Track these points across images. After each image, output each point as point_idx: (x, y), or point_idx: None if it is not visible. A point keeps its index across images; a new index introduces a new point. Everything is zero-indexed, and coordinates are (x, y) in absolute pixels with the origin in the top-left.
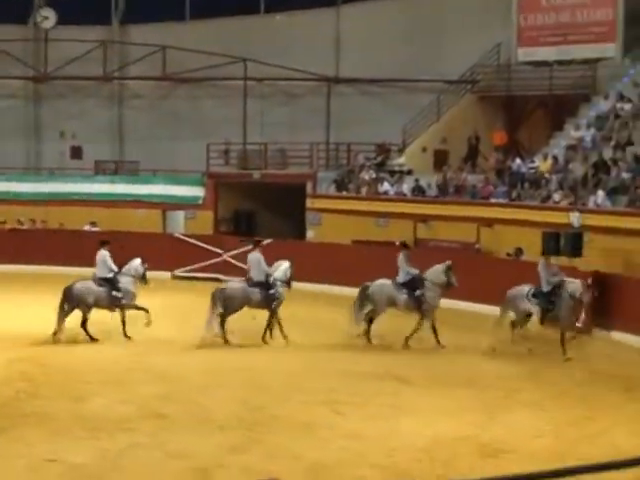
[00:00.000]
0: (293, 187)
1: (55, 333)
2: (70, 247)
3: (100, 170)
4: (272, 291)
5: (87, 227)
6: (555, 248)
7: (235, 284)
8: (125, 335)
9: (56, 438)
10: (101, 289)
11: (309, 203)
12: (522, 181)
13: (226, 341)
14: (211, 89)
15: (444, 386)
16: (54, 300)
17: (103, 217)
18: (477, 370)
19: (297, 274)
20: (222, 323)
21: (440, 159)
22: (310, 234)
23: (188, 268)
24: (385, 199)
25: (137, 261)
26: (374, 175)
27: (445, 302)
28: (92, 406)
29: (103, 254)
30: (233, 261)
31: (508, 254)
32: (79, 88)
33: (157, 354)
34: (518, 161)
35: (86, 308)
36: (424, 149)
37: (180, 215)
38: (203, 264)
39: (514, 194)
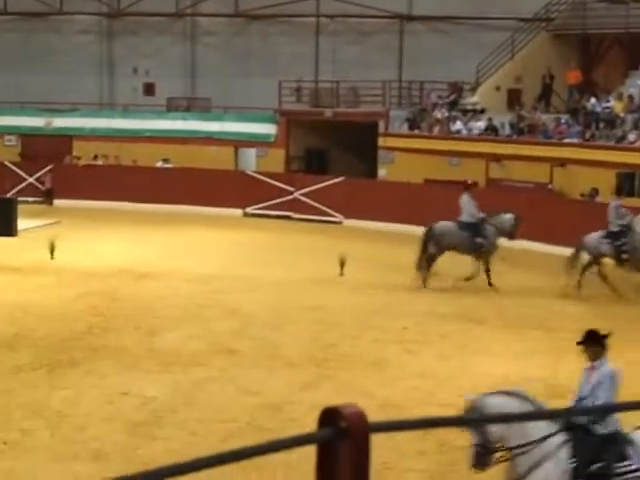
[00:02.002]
0: (365, 125)
1: (424, 280)
2: (143, 184)
3: (172, 107)
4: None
5: (159, 164)
6: (630, 189)
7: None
8: (490, 284)
9: (129, 371)
10: (463, 233)
11: (381, 141)
12: (597, 121)
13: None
14: (283, 26)
15: (516, 327)
16: (126, 236)
17: (175, 154)
18: (549, 312)
19: (369, 213)
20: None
21: (513, 98)
22: (382, 173)
23: (260, 205)
24: (457, 138)
25: (508, 215)
26: (446, 114)
27: (518, 243)
28: (165, 340)
29: (466, 198)
30: (304, 199)
31: (582, 195)
32: (152, 24)
33: (230, 291)
34: (593, 100)
35: (440, 249)
36: (497, 88)
37: (252, 152)
38: (274, 202)
39: (588, 134)
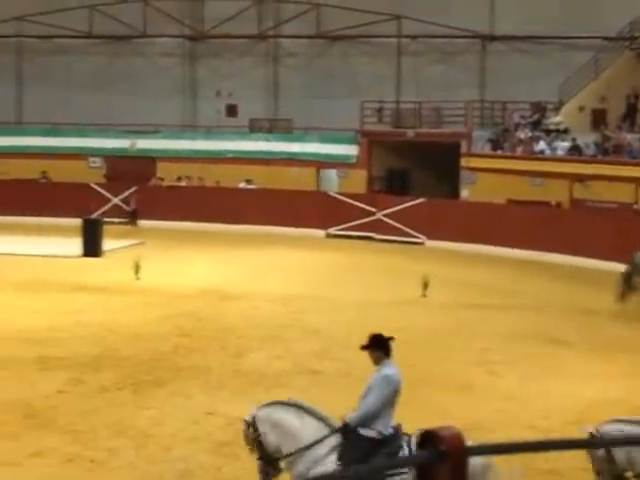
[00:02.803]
0: (447, 146)
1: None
2: (226, 205)
3: (255, 128)
4: None
5: (242, 185)
6: None
7: None
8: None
9: (214, 391)
10: None
11: (464, 162)
12: None
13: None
14: (365, 47)
15: (599, 349)
16: (210, 256)
17: (258, 175)
18: (634, 333)
19: (451, 233)
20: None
21: (598, 118)
22: (464, 193)
23: (342, 226)
24: (541, 158)
25: None
26: (530, 134)
27: (605, 264)
28: (249, 361)
29: None
30: (387, 220)
31: None
32: (234, 46)
33: (312, 311)
34: None
35: None
36: (581, 108)
37: (333, 173)
38: (357, 222)
39: None
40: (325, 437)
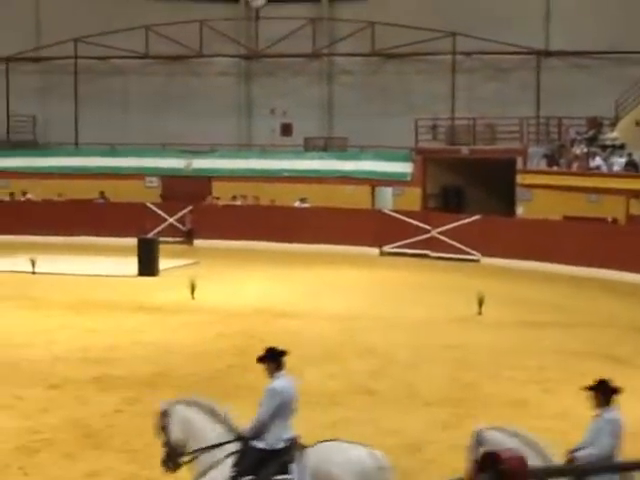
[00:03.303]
0: (502, 162)
1: None
2: (281, 223)
3: (309, 146)
4: None
5: (297, 203)
6: None
7: None
8: None
9: None
10: None
11: (519, 179)
12: None
13: None
14: (419, 64)
15: None
16: (265, 275)
17: (313, 193)
18: None
19: (506, 251)
20: None
21: None
22: (520, 210)
23: (397, 244)
24: (597, 174)
25: None
26: (585, 150)
27: None
28: (304, 380)
29: None
30: (442, 237)
31: None
32: (289, 65)
33: (367, 330)
34: None
35: None
36: (637, 123)
37: (388, 191)
38: (411, 240)
39: None
40: (226, 443)
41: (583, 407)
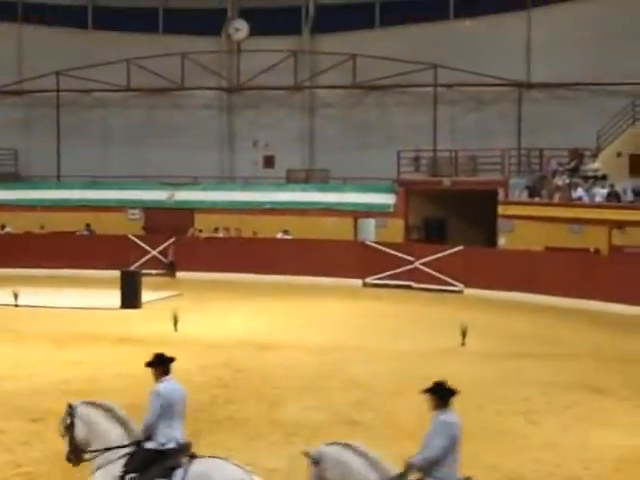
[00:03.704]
0: (484, 194)
1: None
2: (263, 255)
3: (292, 178)
4: None
5: (280, 235)
6: None
7: None
8: None
9: (251, 443)
10: None
11: (501, 210)
12: None
13: None
14: (401, 96)
15: None
16: (248, 307)
17: (295, 225)
18: None
19: (489, 282)
20: None
21: (636, 164)
22: (502, 241)
23: (380, 275)
24: (579, 205)
25: None
26: (567, 181)
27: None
28: (287, 412)
29: None
30: (424, 268)
31: None
32: (270, 98)
33: (350, 361)
34: None
35: None
36: (619, 154)
37: (371, 223)
38: (395, 271)
39: None
40: (123, 446)
41: (570, 439)
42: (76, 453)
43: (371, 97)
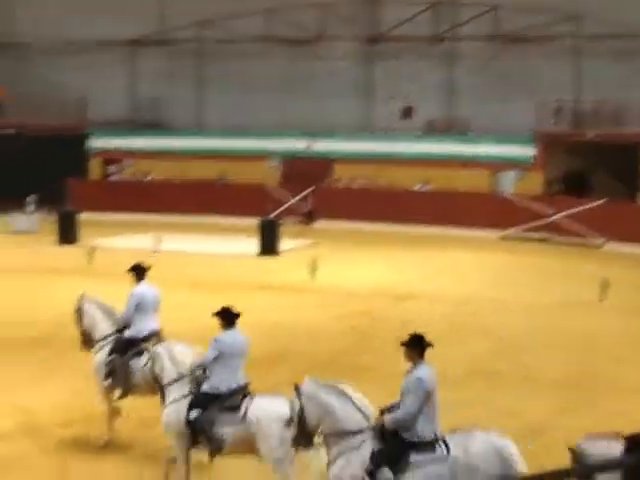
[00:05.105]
0: (627, 147)
1: None
2: (401, 206)
3: (430, 130)
4: None
5: (418, 186)
6: None
7: None
8: None
9: (383, 391)
10: None
11: None
12: None
13: None
14: (543, 47)
15: None
16: (384, 256)
17: (433, 176)
18: None
19: (631, 236)
20: None
21: None
22: None
23: (518, 228)
24: None
25: None
26: None
27: None
28: None
29: None
30: (564, 222)
31: None
32: (411, 48)
33: (486, 313)
34: None
35: None
36: None
37: (510, 175)
38: (533, 224)
39: None
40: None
41: None
42: (87, 341)
43: (513, 48)
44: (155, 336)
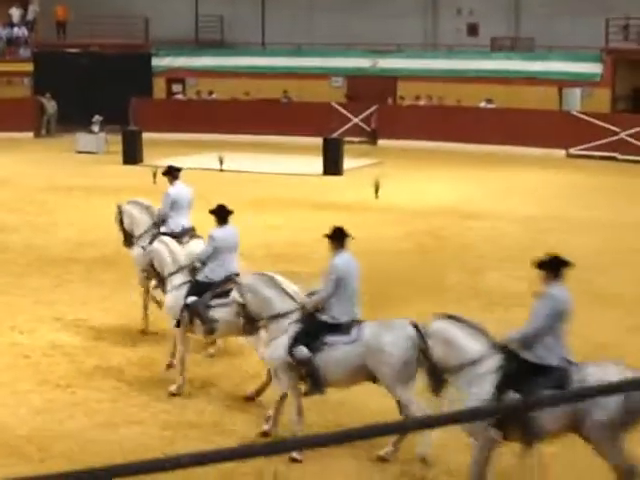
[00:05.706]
0: None
1: None
2: (466, 124)
3: (496, 47)
4: None
5: (483, 104)
6: None
7: None
8: None
9: (450, 309)
10: None
11: None
12: None
13: None
14: None
15: None
16: (449, 175)
17: (498, 94)
18: None
19: None
20: None
21: None
22: None
23: (584, 146)
24: None
25: None
26: None
27: None
28: (488, 280)
29: None
30: (631, 139)
31: None
32: None
33: (553, 232)
34: None
35: None
36: None
37: (576, 92)
38: (599, 142)
39: None
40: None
41: None
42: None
43: None
44: (188, 233)
